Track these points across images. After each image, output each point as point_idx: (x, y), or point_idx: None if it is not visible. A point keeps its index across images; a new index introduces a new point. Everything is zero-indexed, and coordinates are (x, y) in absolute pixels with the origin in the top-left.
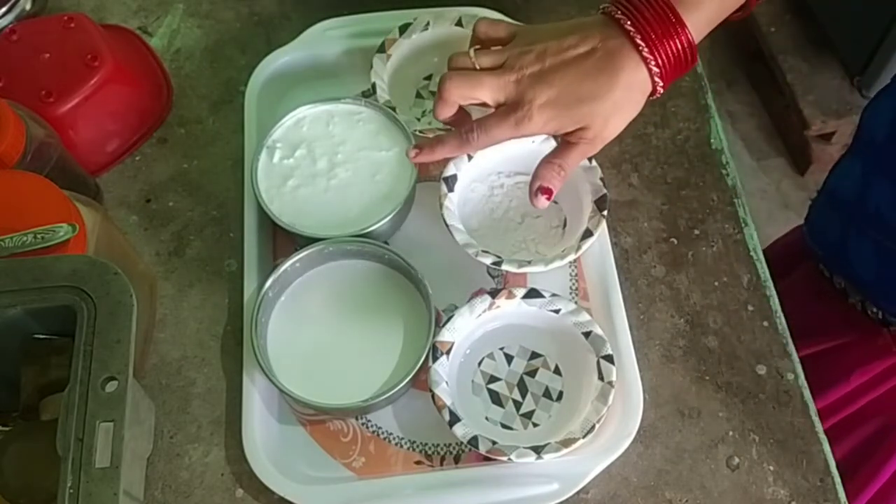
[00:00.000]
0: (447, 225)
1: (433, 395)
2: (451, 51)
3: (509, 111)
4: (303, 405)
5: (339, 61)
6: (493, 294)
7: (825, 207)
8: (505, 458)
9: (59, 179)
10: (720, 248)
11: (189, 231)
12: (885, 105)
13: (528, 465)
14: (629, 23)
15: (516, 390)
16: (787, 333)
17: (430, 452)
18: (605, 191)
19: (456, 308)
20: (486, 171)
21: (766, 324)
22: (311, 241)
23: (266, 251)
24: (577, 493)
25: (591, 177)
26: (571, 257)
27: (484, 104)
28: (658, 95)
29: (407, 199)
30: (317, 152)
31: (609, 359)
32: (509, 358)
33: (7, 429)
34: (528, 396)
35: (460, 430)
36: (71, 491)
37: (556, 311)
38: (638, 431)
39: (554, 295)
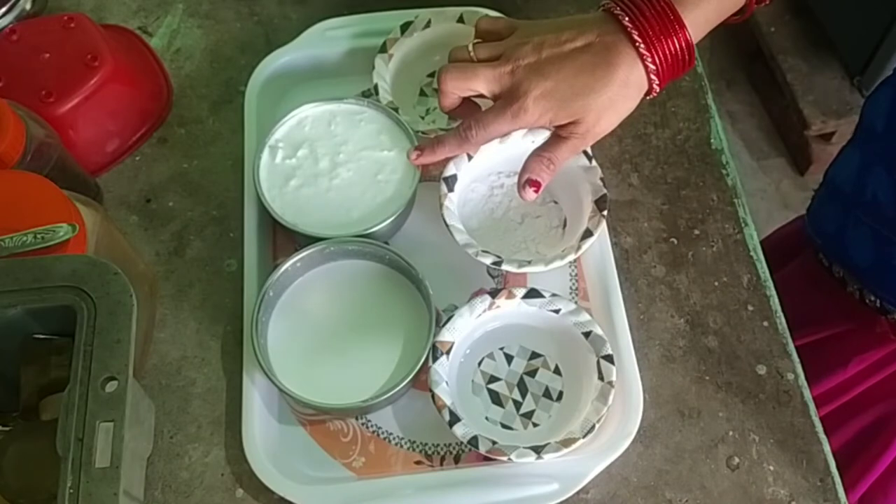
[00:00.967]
0: (447, 225)
1: (433, 395)
2: (453, 48)
3: (505, 104)
4: (303, 405)
5: (340, 61)
6: (493, 294)
7: (825, 197)
8: (505, 458)
9: (59, 179)
10: (720, 248)
11: (189, 231)
12: (884, 95)
13: (528, 465)
14: (627, 19)
15: (516, 390)
16: (787, 333)
17: (430, 452)
18: (605, 191)
19: (456, 308)
20: (487, 171)
21: (766, 324)
22: (312, 240)
23: (266, 251)
24: (577, 493)
25: (591, 177)
26: (571, 257)
27: (481, 96)
28: (654, 95)
29: (409, 199)
30: (319, 152)
31: (609, 359)
32: (509, 358)
33: (7, 429)
34: (528, 396)
35: (460, 430)
36: (71, 491)
37: (556, 311)
38: (638, 431)
39: (554, 295)
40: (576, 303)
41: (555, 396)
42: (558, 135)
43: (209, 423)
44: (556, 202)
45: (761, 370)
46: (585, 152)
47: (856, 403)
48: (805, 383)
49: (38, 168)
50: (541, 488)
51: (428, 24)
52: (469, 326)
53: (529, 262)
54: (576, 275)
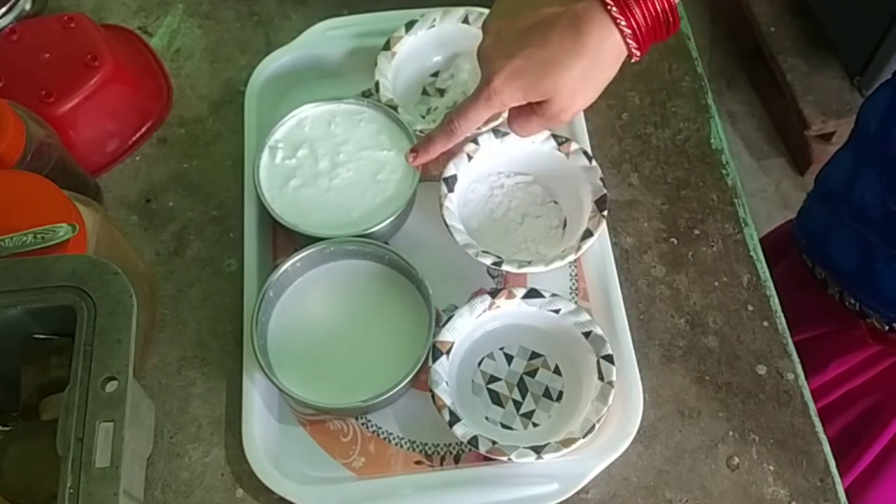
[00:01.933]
0: (447, 225)
1: (433, 395)
2: (456, 48)
3: (479, 89)
4: (303, 405)
5: (340, 61)
6: (493, 294)
7: (815, 199)
8: (505, 458)
9: (59, 179)
10: (720, 248)
11: (189, 231)
12: (880, 98)
13: (528, 465)
14: None
15: (516, 390)
16: (787, 333)
17: (430, 452)
18: (605, 191)
19: (456, 308)
20: (486, 171)
21: (766, 324)
22: (312, 240)
23: (266, 251)
24: (577, 493)
25: (591, 177)
26: (571, 257)
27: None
28: (637, 60)
29: (409, 199)
30: (319, 152)
31: (609, 359)
32: (509, 358)
33: (7, 429)
34: (528, 396)
35: (460, 430)
36: (71, 491)
37: (556, 311)
38: (638, 431)
39: (554, 295)
40: (576, 303)
41: (555, 396)
42: (533, 110)
43: (209, 423)
44: (556, 202)
45: (761, 370)
46: (585, 152)
47: (834, 408)
48: (805, 383)
49: (38, 168)
50: (541, 488)
51: (433, 24)
52: (469, 326)
53: (529, 263)
54: (576, 275)
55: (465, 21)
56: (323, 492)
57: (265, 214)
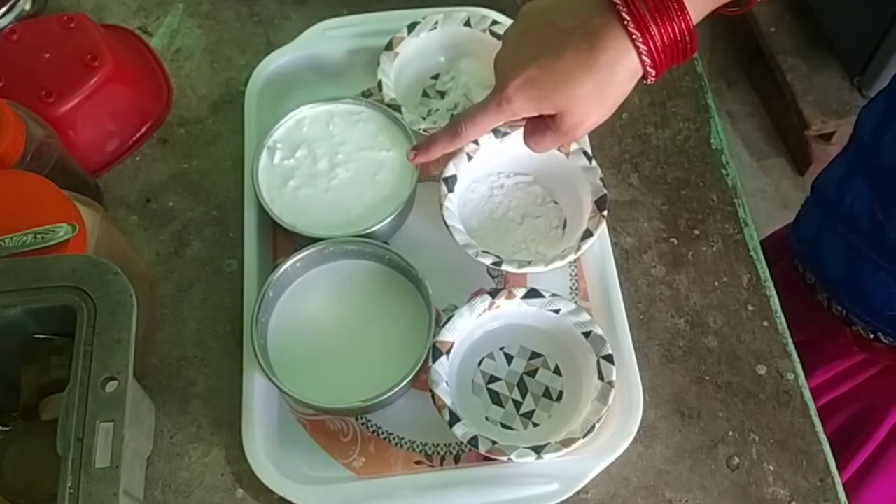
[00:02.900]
0: (447, 225)
1: (433, 395)
2: (458, 50)
3: (491, 95)
4: (303, 405)
5: (339, 61)
6: (493, 294)
7: (810, 204)
8: (505, 458)
9: (59, 179)
10: (720, 248)
11: (189, 231)
12: (877, 105)
13: (528, 465)
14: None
15: (516, 390)
16: (787, 333)
17: (430, 452)
18: (605, 191)
19: (456, 308)
20: (486, 171)
21: (766, 324)
22: (312, 241)
23: (266, 251)
24: (577, 493)
25: (591, 177)
26: (571, 257)
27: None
28: (652, 82)
29: (408, 199)
30: (317, 153)
31: (609, 359)
32: (509, 358)
33: (7, 429)
34: (528, 396)
35: (460, 430)
36: (71, 491)
37: (556, 311)
38: (638, 431)
39: (554, 295)
40: (576, 303)
41: (555, 396)
42: (547, 124)
43: (209, 423)
44: (556, 202)
45: (761, 370)
46: (585, 152)
47: (819, 414)
48: (805, 383)
49: (38, 168)
50: (541, 488)
51: (435, 26)
52: (469, 326)
53: (529, 263)
54: (576, 275)
55: (467, 24)
56: (323, 492)
57: (265, 214)
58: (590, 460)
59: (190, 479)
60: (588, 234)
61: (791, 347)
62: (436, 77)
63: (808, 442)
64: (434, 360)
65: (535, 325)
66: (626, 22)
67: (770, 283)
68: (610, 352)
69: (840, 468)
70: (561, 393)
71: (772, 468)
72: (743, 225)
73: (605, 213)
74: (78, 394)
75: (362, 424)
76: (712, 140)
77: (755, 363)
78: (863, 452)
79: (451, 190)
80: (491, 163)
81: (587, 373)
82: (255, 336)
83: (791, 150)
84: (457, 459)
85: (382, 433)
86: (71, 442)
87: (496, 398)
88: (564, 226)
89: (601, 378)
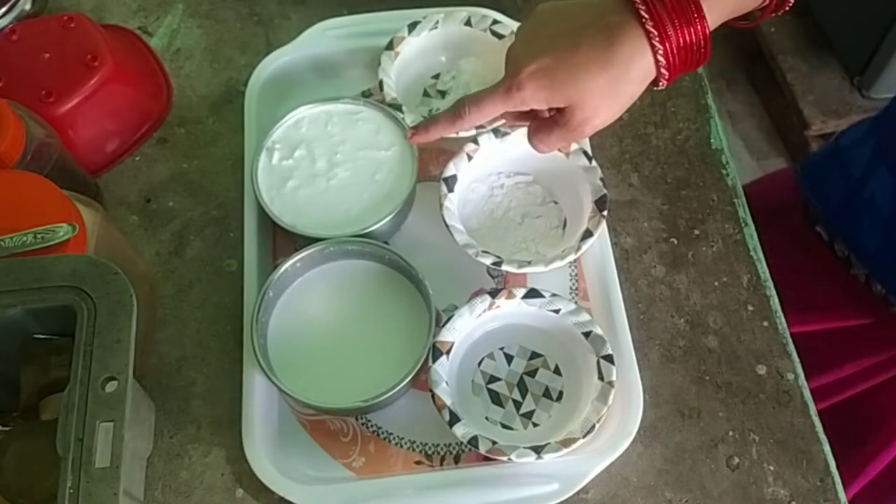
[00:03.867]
0: (447, 225)
1: (433, 395)
2: (459, 50)
3: (501, 81)
4: (303, 405)
5: (339, 61)
6: (493, 294)
7: (831, 161)
8: (505, 458)
9: (59, 179)
10: (720, 248)
11: (189, 231)
12: None
13: (528, 465)
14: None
15: (516, 390)
16: (787, 333)
17: (430, 452)
18: (605, 191)
19: (456, 308)
20: (486, 171)
21: (766, 324)
22: (312, 241)
23: (266, 251)
24: (577, 493)
25: (591, 177)
26: (571, 257)
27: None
28: (663, 86)
29: (407, 198)
30: (316, 153)
31: (609, 359)
32: (509, 358)
33: (7, 429)
34: (528, 396)
35: (460, 430)
36: (71, 491)
37: (556, 311)
38: (638, 431)
39: (554, 295)
40: (576, 303)
41: (555, 396)
42: (555, 120)
43: (209, 423)
44: (556, 202)
45: (761, 370)
46: (585, 152)
47: (840, 409)
48: (805, 383)
49: (38, 168)
50: (541, 488)
51: (435, 26)
52: (469, 326)
53: (529, 263)
54: (576, 275)
55: (468, 23)
56: (323, 492)
57: (265, 214)
58: (590, 460)
59: (190, 479)
60: (588, 234)
61: (791, 347)
62: (436, 77)
63: (808, 442)
64: (434, 360)
65: (535, 325)
66: (644, 20)
67: (770, 283)
68: (610, 352)
69: (862, 468)
70: (561, 393)
71: (772, 468)
72: (743, 225)
73: (605, 213)
74: (78, 394)
75: (362, 424)
76: (712, 140)
77: (755, 363)
78: (890, 451)
79: (451, 190)
80: (491, 163)
81: (587, 373)
82: (255, 336)
83: (791, 150)
84: (457, 459)
85: (382, 433)
86: (71, 442)
87: (496, 398)
88: (564, 226)
89: (601, 378)
